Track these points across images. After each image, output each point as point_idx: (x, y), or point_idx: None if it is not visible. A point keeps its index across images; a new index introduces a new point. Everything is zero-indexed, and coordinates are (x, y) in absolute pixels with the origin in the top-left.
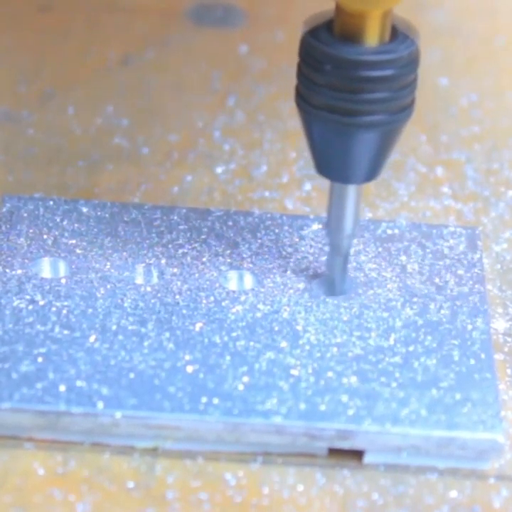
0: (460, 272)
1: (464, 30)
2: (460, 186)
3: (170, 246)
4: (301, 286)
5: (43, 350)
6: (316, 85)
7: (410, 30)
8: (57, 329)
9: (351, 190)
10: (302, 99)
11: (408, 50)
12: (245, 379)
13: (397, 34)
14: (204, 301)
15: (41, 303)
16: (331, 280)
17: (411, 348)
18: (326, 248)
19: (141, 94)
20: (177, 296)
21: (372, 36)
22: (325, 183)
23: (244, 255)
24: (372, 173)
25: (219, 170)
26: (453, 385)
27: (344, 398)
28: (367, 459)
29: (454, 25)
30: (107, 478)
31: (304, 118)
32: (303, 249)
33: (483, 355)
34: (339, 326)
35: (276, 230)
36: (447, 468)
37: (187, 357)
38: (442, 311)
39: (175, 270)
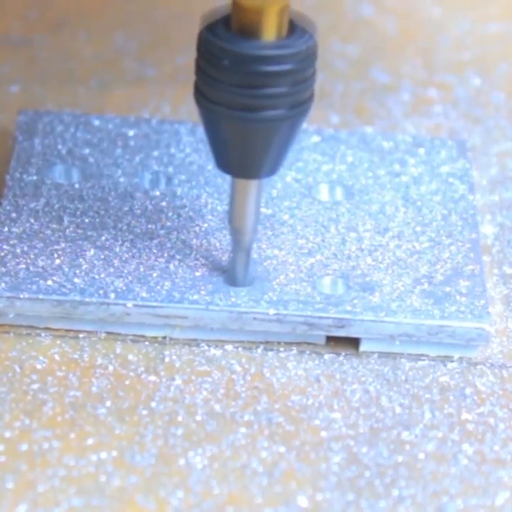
0: (451, 180)
1: None
2: (452, 106)
3: (177, 155)
4: None
5: (58, 247)
6: (215, 81)
7: (308, 25)
8: (71, 228)
9: (252, 185)
10: (201, 95)
11: (306, 45)
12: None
13: (295, 29)
14: (209, 206)
15: (56, 206)
16: (232, 274)
17: (404, 246)
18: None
19: (150, 21)
20: (184, 200)
21: (270, 31)
22: None
23: None
24: (273, 168)
25: None
26: (444, 279)
27: (341, 290)
28: (362, 347)
29: None
30: (119, 363)
31: (203, 114)
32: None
33: (472, 254)
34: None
35: None
36: (438, 355)
37: (193, 254)
38: (434, 214)
39: (182, 177)
